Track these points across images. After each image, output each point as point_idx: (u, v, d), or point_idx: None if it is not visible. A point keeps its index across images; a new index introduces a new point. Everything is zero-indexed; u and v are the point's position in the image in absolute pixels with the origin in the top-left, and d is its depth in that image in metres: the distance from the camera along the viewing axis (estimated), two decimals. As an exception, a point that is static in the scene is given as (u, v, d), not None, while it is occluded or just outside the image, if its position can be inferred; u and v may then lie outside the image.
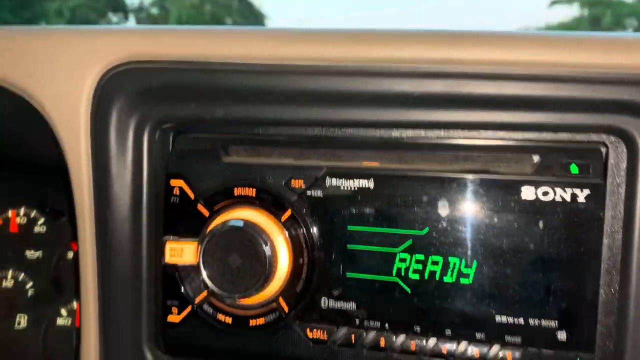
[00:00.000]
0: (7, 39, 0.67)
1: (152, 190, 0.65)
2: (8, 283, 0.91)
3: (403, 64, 0.57)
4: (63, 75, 0.64)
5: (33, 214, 0.92)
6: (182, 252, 0.62)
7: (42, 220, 0.92)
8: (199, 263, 0.59)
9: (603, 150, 0.56)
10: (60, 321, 0.90)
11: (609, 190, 0.56)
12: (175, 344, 0.65)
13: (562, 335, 0.56)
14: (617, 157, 0.56)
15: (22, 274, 0.91)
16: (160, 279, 0.64)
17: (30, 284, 0.91)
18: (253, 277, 0.58)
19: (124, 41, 0.63)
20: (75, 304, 0.89)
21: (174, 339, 0.64)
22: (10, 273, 0.91)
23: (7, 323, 0.89)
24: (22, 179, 0.93)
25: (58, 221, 0.91)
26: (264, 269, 0.58)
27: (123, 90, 0.62)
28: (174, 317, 0.64)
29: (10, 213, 0.92)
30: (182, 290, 0.63)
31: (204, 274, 0.59)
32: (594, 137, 0.57)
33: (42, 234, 0.92)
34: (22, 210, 0.93)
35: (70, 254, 0.90)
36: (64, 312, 0.89)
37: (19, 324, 0.90)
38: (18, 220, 0.93)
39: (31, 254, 0.92)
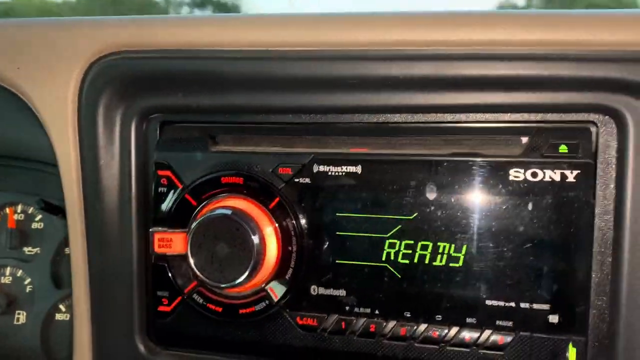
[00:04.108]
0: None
1: (141, 180, 0.64)
2: (6, 279, 0.91)
3: (389, 47, 0.56)
4: (49, 67, 0.64)
5: (30, 210, 0.93)
6: (170, 242, 0.62)
7: (39, 217, 0.93)
8: (187, 253, 0.59)
9: (592, 129, 0.55)
10: (58, 316, 0.90)
11: (599, 170, 0.55)
12: (166, 334, 0.64)
13: (554, 319, 0.55)
14: (607, 136, 0.55)
15: (21, 270, 0.91)
16: (149, 270, 0.64)
17: (28, 279, 0.91)
18: (241, 266, 0.57)
19: (110, 31, 0.63)
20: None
21: (165, 329, 0.64)
22: (8, 269, 0.91)
23: (6, 319, 0.90)
24: (19, 176, 0.94)
25: (55, 217, 0.91)
26: (252, 257, 0.57)
27: (109, 80, 0.62)
28: (165, 308, 0.64)
29: (7, 210, 0.93)
30: (172, 280, 0.63)
31: (193, 263, 0.59)
32: (583, 116, 0.56)
33: (39, 230, 0.92)
34: (19, 207, 0.93)
35: (68, 250, 0.90)
36: (62, 307, 0.90)
37: (18, 319, 0.90)
38: (16, 216, 0.93)
39: (29, 250, 0.92)
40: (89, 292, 0.65)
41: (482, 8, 0.57)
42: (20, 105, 0.66)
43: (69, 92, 0.63)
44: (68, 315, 0.89)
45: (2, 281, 0.91)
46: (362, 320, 0.59)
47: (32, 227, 0.92)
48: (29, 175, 0.93)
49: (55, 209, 0.91)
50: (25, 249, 0.91)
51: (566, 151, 0.55)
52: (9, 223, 0.93)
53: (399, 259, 0.58)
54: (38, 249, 0.91)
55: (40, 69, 0.64)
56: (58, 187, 0.70)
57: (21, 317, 0.90)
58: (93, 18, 0.67)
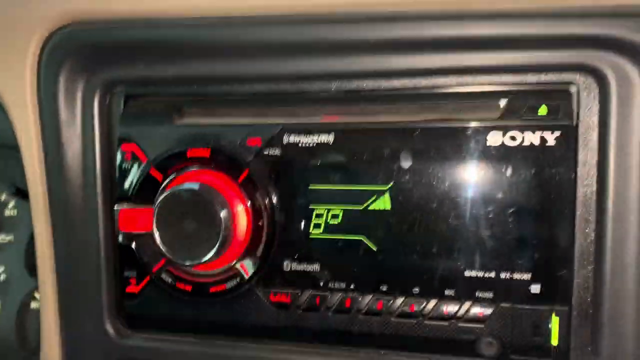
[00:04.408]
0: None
1: (105, 157, 0.62)
2: (-20, 268, 0.89)
3: (359, 9, 0.54)
4: (4, 41, 0.61)
5: (3, 197, 0.90)
6: (136, 219, 0.59)
7: (12, 204, 0.90)
8: (153, 229, 0.56)
9: (573, 90, 0.53)
10: (33, 304, 0.87)
11: (580, 133, 0.52)
12: (135, 316, 0.62)
13: (536, 289, 0.53)
14: (588, 96, 0.52)
15: (-6, 259, 0.89)
16: (116, 250, 0.62)
17: (2, 267, 0.89)
18: (210, 242, 0.55)
19: (66, 2, 0.60)
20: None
21: (134, 310, 0.62)
22: (-18, 258, 0.88)
23: (-20, 308, 0.88)
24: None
25: (28, 203, 0.89)
26: (221, 233, 0.55)
27: (68, 53, 0.60)
28: (133, 288, 0.61)
29: (-21, 198, 0.90)
30: (139, 259, 0.61)
31: (159, 240, 0.56)
32: (563, 76, 0.53)
33: (12, 217, 0.90)
34: (-9, 194, 0.90)
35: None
36: (37, 295, 0.87)
37: (-8, 308, 0.88)
38: (-13, 204, 0.91)
39: (2, 238, 0.90)
40: (55, 275, 0.63)
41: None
42: None
43: (27, 67, 0.60)
44: (44, 303, 0.87)
45: (-24, 269, 0.89)
46: (337, 295, 0.56)
47: (5, 214, 0.90)
48: (1, 162, 0.90)
49: (28, 195, 0.88)
50: (-1, 237, 0.89)
51: (546, 113, 0.52)
52: (-19, 211, 0.90)
53: (375, 231, 0.55)
54: (11, 236, 0.89)
55: (-6, 44, 0.61)
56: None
57: (-5, 305, 0.88)
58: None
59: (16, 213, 0.90)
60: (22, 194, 0.89)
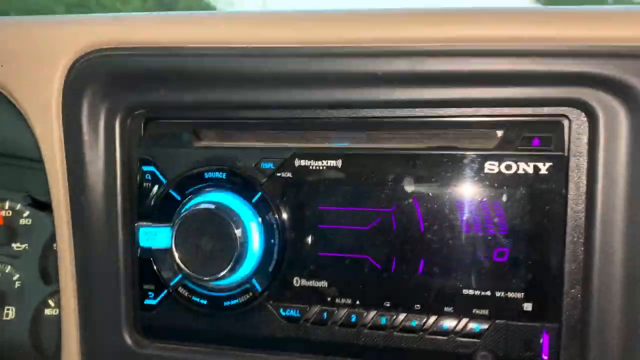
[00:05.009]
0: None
1: (125, 176, 0.65)
2: (-5, 275, 0.92)
3: (367, 44, 0.58)
4: (33, 65, 0.64)
5: (18, 206, 0.93)
6: (155, 236, 0.63)
7: (27, 213, 0.93)
8: (172, 246, 0.60)
9: (565, 123, 0.57)
10: (47, 312, 0.90)
11: (571, 163, 0.56)
12: (152, 327, 0.66)
13: (528, 307, 0.57)
14: (579, 129, 0.56)
15: (9, 266, 0.92)
16: (135, 264, 0.65)
17: (17, 275, 0.91)
18: (225, 259, 0.59)
19: (92, 29, 0.64)
20: (62, 294, 0.90)
21: (151, 322, 0.65)
22: (-3, 265, 0.91)
23: (-5, 315, 0.90)
24: (6, 172, 0.94)
25: (43, 213, 0.92)
26: (236, 251, 0.59)
27: (93, 78, 0.63)
28: (151, 301, 0.65)
29: (-5, 207, 0.93)
30: (158, 274, 0.64)
31: (177, 257, 0.60)
32: (555, 110, 0.57)
33: (27, 226, 0.93)
34: (7, 204, 0.93)
35: (56, 246, 0.90)
36: (51, 302, 0.90)
37: (7, 315, 0.91)
38: (3, 213, 0.93)
39: (17, 246, 0.92)
40: (76, 287, 0.66)
41: (463, 5, 0.58)
42: (4, 103, 0.67)
43: (53, 90, 0.64)
44: (57, 311, 0.90)
45: (-9, 277, 0.91)
46: (343, 311, 0.60)
47: (20, 223, 0.93)
48: (16, 172, 0.93)
49: (43, 205, 0.91)
50: (14, 245, 0.92)
51: (539, 144, 0.56)
52: (-3, 219, 0.93)
53: (379, 251, 0.59)
54: (26, 245, 0.92)
55: (24, 67, 0.64)
56: (45, 183, 0.71)
57: (10, 312, 0.91)
58: (76, 16, 0.68)
59: (31, 222, 0.93)
60: (37, 203, 0.92)
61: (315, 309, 0.61)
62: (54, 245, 0.90)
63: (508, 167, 0.56)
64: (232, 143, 0.64)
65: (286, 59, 0.59)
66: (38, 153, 0.67)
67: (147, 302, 0.65)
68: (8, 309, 0.91)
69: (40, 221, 0.91)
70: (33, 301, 0.89)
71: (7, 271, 0.91)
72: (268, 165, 0.62)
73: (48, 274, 0.91)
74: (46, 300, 0.90)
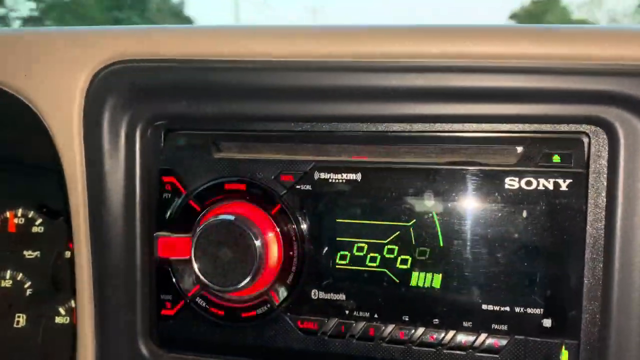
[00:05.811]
0: (0, 40, 0.68)
1: (145, 186, 0.66)
2: (7, 283, 0.92)
3: (388, 59, 0.58)
4: (56, 75, 0.65)
5: (31, 214, 0.94)
6: (174, 246, 0.63)
7: (39, 221, 0.94)
8: (191, 257, 0.60)
9: (585, 140, 0.57)
10: (58, 319, 0.91)
11: (590, 179, 0.57)
12: (169, 337, 0.66)
13: (547, 323, 0.57)
14: (599, 146, 0.57)
15: (21, 274, 0.92)
16: (153, 274, 0.65)
17: (28, 283, 0.92)
18: (244, 270, 0.59)
19: (115, 41, 0.64)
20: (73, 303, 0.90)
21: (168, 332, 0.66)
22: (8, 273, 0.92)
23: (6, 322, 0.91)
24: (20, 180, 0.95)
25: (55, 221, 0.92)
26: (255, 262, 0.59)
27: (114, 89, 0.64)
28: (168, 311, 0.65)
29: (8, 214, 0.93)
30: (175, 284, 0.64)
31: (196, 267, 0.60)
32: (576, 127, 0.58)
33: (39, 234, 0.93)
34: (19, 211, 0.94)
35: (68, 254, 0.91)
36: (62, 310, 0.91)
37: (17, 323, 0.91)
38: (16, 220, 0.94)
39: (29, 254, 0.93)
40: (92, 296, 0.66)
41: (486, 21, 0.59)
42: (25, 111, 0.68)
43: (75, 100, 0.64)
44: (68, 319, 0.90)
45: (3, 284, 0.92)
46: (361, 324, 0.60)
47: (33, 231, 0.93)
48: (29, 180, 0.94)
49: (55, 213, 0.92)
50: (26, 253, 0.92)
51: (559, 161, 0.57)
52: (10, 227, 0.94)
53: (397, 264, 0.60)
54: (38, 252, 0.92)
55: (47, 77, 0.65)
56: (58, 191, 0.71)
57: (21, 320, 0.91)
58: (99, 28, 0.69)
59: (43, 230, 0.93)
60: (49, 212, 0.93)
61: (333, 321, 0.61)
62: (66, 253, 0.91)
63: (528, 183, 0.57)
64: (252, 155, 0.64)
65: (308, 72, 0.60)
66: (56, 161, 0.67)
67: (164, 312, 0.65)
68: (19, 317, 0.91)
69: (53, 229, 0.91)
70: (44, 309, 0.90)
71: (18, 279, 0.92)
72: (288, 178, 0.62)
73: (59, 282, 0.91)
74: (57, 308, 0.90)
